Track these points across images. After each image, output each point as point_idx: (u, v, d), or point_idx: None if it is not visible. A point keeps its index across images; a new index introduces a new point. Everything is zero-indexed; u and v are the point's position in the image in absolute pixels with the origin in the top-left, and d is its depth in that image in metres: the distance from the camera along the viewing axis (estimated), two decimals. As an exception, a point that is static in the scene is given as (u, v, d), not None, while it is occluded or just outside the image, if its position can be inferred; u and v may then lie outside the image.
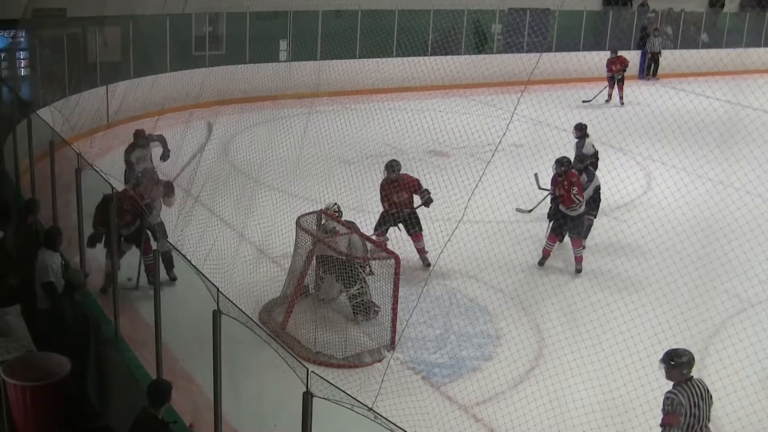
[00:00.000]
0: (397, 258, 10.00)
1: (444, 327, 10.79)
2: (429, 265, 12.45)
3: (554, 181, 12.70)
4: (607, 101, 24.44)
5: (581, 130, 14.93)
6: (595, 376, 9.53)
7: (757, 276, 12.11)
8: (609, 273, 12.71)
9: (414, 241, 12.53)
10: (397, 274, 9.93)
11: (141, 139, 13.79)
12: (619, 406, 9.04)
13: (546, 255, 12.82)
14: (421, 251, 12.59)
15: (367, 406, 7.08)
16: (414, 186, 12.50)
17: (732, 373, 9.52)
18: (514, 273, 12.26)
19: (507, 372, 9.86)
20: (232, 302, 6.78)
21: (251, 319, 6.85)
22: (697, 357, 8.91)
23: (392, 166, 12.50)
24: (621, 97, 24.35)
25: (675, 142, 17.51)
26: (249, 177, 14.90)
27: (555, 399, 9.16)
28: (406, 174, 12.61)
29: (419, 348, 10.15)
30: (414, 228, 12.46)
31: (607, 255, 13.25)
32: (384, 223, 12.43)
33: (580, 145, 14.80)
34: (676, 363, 7.25)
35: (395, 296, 9.92)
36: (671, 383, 7.27)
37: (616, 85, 24.41)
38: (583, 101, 23.70)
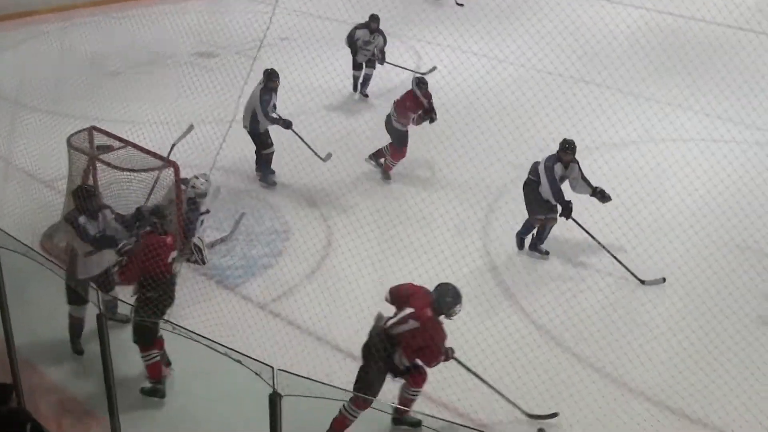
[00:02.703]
0: (175, 166, 9.85)
1: (231, 229, 10.87)
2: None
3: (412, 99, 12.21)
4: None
5: (377, 22, 14.88)
6: (377, 259, 10.07)
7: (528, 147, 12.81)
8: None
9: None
10: (177, 182, 9.79)
11: None
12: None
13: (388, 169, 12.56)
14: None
15: (164, 320, 7.15)
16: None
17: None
18: (300, 168, 12.34)
19: (298, 264, 10.17)
20: (6, 233, 6.59)
21: (31, 249, 6.70)
22: (483, 222, 9.65)
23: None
24: None
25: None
26: (8, 100, 14.11)
27: (347, 284, 9.56)
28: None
29: (210, 253, 10.20)
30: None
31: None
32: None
33: (378, 42, 14.96)
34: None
35: (178, 206, 9.84)
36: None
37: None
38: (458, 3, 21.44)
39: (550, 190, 10.12)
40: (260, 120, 11.86)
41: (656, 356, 8.69)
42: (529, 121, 12.57)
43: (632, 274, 10.02)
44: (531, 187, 10.37)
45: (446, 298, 7.19)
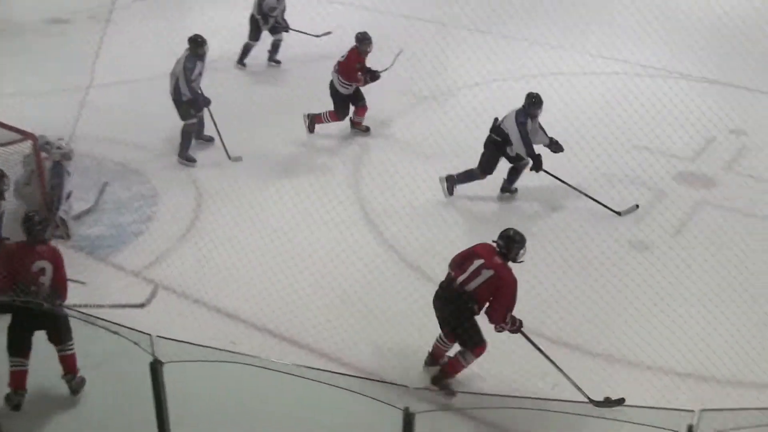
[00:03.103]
0: (33, 137, 9.54)
1: (95, 198, 10.65)
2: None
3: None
4: None
5: None
6: (248, 216, 10.14)
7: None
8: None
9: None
10: (36, 155, 9.51)
11: None
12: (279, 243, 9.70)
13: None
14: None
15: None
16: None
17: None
18: (160, 132, 12.20)
19: (168, 228, 10.10)
20: None
21: None
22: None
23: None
24: None
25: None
26: None
27: (220, 245, 9.59)
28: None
29: (77, 224, 10.01)
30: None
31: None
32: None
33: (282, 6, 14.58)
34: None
35: (41, 180, 9.55)
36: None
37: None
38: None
39: (524, 146, 10.34)
40: (182, 89, 11.31)
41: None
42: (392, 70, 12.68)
43: (609, 208, 10.42)
44: (496, 145, 10.50)
45: (513, 243, 7.35)
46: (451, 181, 10.80)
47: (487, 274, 7.26)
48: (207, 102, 11.51)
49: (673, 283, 9.14)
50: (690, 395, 7.62)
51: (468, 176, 10.75)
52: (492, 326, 7.37)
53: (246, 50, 14.78)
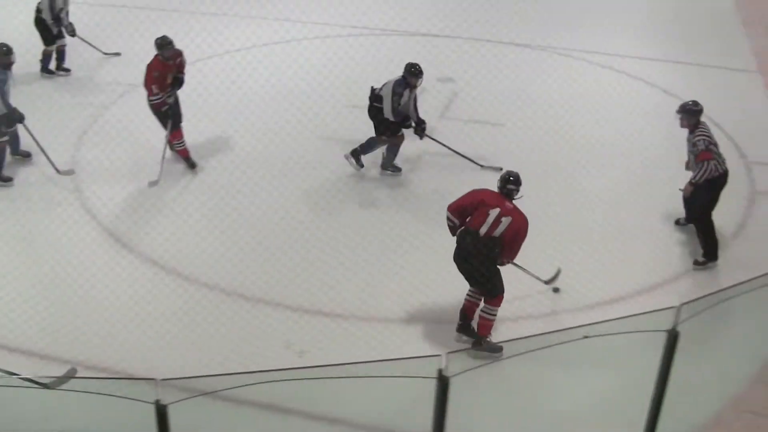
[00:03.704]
0: None
1: None
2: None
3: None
4: None
5: None
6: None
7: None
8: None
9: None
10: None
11: None
12: None
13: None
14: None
15: None
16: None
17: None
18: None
19: None
20: None
21: None
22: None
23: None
24: None
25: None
26: None
27: None
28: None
29: None
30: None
31: None
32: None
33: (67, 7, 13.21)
34: (694, 111, 8.95)
35: None
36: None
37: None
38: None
39: (391, 111, 10.34)
40: None
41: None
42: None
43: (472, 161, 10.74)
44: (376, 111, 10.48)
45: (511, 186, 7.82)
46: (356, 154, 10.71)
47: (506, 221, 7.67)
48: (20, 118, 10.39)
49: (405, 237, 9.50)
50: (436, 341, 7.96)
51: (370, 146, 10.71)
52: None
53: (47, 57, 13.39)
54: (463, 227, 7.79)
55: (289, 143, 11.11)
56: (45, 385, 6.58)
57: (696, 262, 9.22)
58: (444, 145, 10.98)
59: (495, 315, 7.90)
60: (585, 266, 8.98)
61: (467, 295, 8.05)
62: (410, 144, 10.83)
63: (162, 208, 9.89)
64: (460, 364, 5.22)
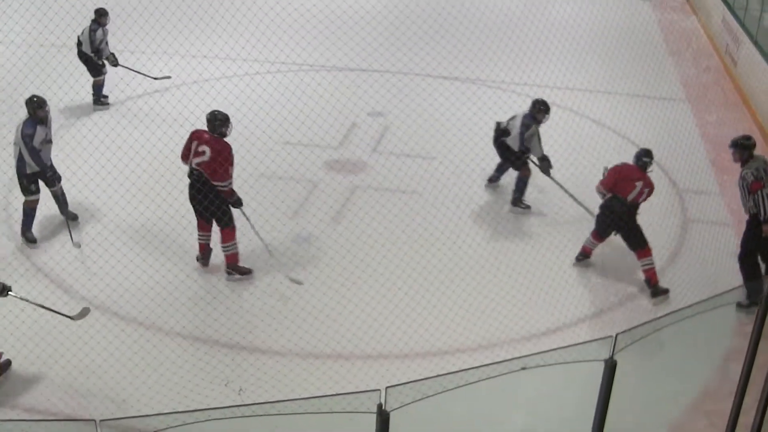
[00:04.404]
0: None
1: None
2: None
3: None
4: None
5: (107, 16, 13.15)
6: None
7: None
8: None
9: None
10: None
11: None
12: None
13: None
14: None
15: None
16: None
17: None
18: None
19: None
20: None
21: None
22: None
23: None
24: None
25: None
26: None
27: None
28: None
29: None
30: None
31: None
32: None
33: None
34: (745, 145, 9.14)
35: None
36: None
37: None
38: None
39: (519, 144, 10.64)
40: (26, 160, 9.72)
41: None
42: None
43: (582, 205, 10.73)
44: (503, 144, 10.86)
45: (647, 158, 9.41)
46: (517, 201, 11.07)
47: (646, 190, 9.35)
48: (55, 178, 9.98)
49: (336, 269, 9.44)
50: (375, 375, 7.89)
51: (520, 184, 11.03)
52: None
53: (98, 88, 13.58)
54: (612, 195, 9.38)
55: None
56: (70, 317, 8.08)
57: (739, 305, 8.54)
58: (559, 185, 10.96)
59: (652, 263, 9.39)
60: (521, 298, 9.03)
61: (586, 241, 9.87)
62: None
63: (95, 247, 9.66)
64: (399, 398, 5.17)
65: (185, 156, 9.13)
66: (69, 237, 9.98)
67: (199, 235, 9.47)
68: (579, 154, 11.95)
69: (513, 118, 10.81)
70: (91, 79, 13.45)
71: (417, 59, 14.78)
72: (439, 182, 11.16)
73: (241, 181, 10.89)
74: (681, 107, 14.09)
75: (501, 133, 10.84)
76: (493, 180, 11.48)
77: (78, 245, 9.95)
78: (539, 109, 10.64)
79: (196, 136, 9.11)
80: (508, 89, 14.21)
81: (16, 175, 9.92)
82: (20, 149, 9.69)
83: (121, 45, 14.62)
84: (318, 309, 8.86)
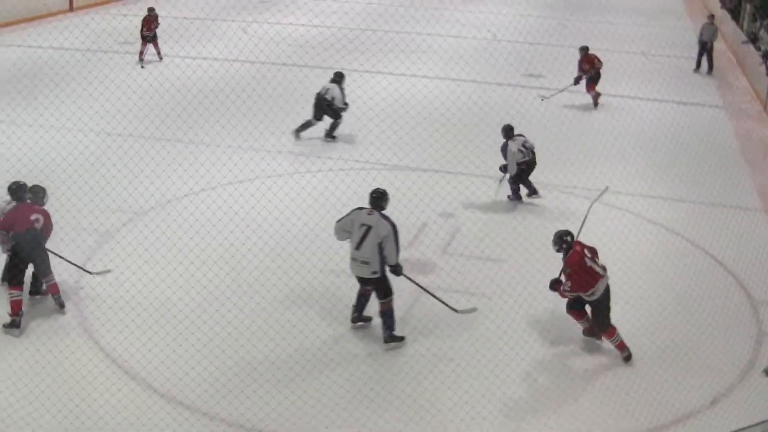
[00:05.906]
0: None
1: None
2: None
3: None
4: None
5: None
6: None
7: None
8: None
9: None
10: None
11: None
12: None
13: None
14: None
15: None
16: None
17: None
18: None
19: None
20: None
21: None
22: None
23: None
24: None
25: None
26: None
27: None
28: None
29: None
30: None
31: None
32: None
33: None
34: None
35: None
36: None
37: None
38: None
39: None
40: None
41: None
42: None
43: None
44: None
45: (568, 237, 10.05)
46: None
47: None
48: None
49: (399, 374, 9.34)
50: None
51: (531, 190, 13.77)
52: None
53: (306, 126, 16.20)
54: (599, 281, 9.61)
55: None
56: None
57: None
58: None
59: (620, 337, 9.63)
60: (583, 401, 8.81)
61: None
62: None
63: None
64: None
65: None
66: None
67: None
68: (652, 263, 11.76)
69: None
70: None
71: (479, 162, 14.87)
72: (509, 286, 11.06)
73: (310, 277, 10.99)
74: (756, 216, 13.82)
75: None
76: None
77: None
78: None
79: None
80: (581, 195, 14.11)
81: None
82: None
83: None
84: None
